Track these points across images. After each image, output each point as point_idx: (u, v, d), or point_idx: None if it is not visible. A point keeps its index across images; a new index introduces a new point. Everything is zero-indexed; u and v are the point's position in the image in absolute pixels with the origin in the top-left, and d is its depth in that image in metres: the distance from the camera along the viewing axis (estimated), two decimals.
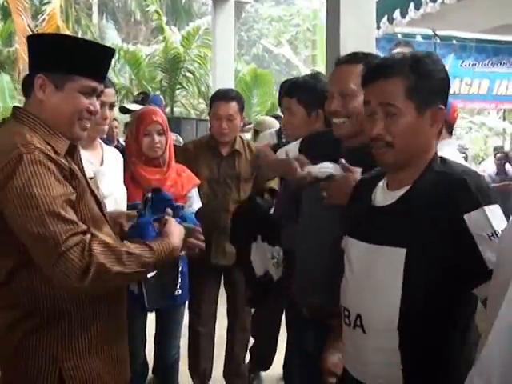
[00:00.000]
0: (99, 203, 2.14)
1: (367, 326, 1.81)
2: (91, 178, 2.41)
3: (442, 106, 1.81)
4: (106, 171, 2.98)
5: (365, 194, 1.96)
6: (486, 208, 1.65)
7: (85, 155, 2.86)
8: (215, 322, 4.09)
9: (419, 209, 1.74)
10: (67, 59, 1.97)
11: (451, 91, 7.05)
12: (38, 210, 1.78)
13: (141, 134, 3.28)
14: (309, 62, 21.24)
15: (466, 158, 10.91)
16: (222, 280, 4.11)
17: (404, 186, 1.82)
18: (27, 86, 2.06)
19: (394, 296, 1.74)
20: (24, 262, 1.88)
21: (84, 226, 1.85)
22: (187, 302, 3.82)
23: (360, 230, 1.91)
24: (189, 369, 4.06)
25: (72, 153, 2.09)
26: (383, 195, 1.89)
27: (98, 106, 2.09)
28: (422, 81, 1.77)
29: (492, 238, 1.63)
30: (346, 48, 4.99)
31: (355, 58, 2.37)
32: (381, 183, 1.93)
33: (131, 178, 3.30)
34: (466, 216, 1.64)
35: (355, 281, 1.88)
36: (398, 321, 1.73)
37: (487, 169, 11.61)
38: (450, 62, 9.29)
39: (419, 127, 1.79)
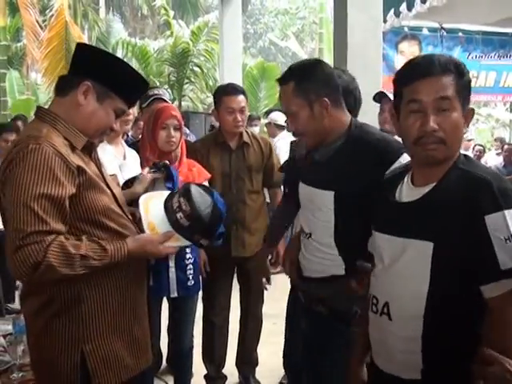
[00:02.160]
0: (116, 197, 2.26)
1: (394, 314, 1.89)
2: (112, 175, 2.51)
3: (472, 108, 1.87)
4: (129, 165, 3.09)
5: (389, 191, 2.03)
6: (506, 212, 1.70)
7: (110, 149, 2.98)
8: (229, 313, 4.18)
9: (445, 205, 1.81)
10: (116, 79, 2.16)
11: None
12: (19, 200, 1.92)
13: (158, 128, 3.33)
14: (315, 54, 21.25)
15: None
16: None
17: (430, 183, 1.88)
18: (64, 86, 2.17)
19: (422, 285, 1.82)
20: None
21: (55, 227, 1.96)
22: (201, 293, 3.93)
23: (388, 225, 1.99)
24: (203, 358, 4.14)
25: (89, 150, 2.22)
26: (409, 191, 1.95)
27: (119, 126, 2.32)
28: (464, 82, 1.83)
29: (508, 241, 1.69)
30: (354, 41, 5.05)
31: (287, 76, 2.51)
32: (405, 179, 1.99)
33: None
34: (486, 217, 1.70)
35: (385, 271, 1.97)
36: (424, 309, 1.82)
37: (490, 160, 11.61)
38: (456, 55, 9.31)
39: (462, 125, 1.84)
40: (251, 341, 4.27)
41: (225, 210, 2.47)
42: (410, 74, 1.86)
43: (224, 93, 3.96)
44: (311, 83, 2.45)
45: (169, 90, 14.99)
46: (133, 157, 3.26)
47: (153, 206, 2.34)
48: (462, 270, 1.78)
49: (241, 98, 3.91)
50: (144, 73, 15.32)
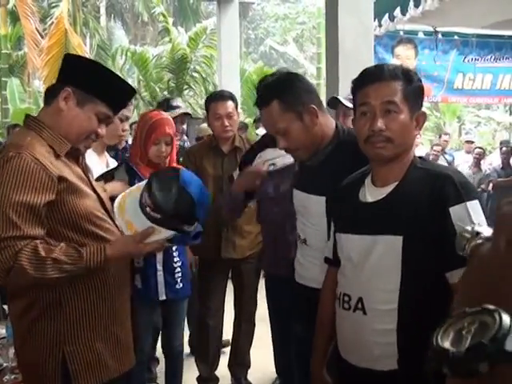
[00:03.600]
0: (103, 202, 2.32)
1: (368, 308, 1.98)
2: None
3: (424, 112, 2.06)
4: None
5: (350, 194, 2.15)
6: (468, 203, 1.89)
7: (95, 157, 3.05)
8: (223, 315, 4.25)
9: (411, 200, 1.95)
10: (97, 83, 2.22)
11: (455, 86, 7.06)
12: None
13: (150, 142, 3.37)
14: (314, 59, 21.26)
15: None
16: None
17: (391, 182, 2.03)
18: (49, 95, 2.26)
19: (395, 278, 1.94)
20: None
21: (30, 233, 2.01)
22: (197, 295, 4.04)
23: (355, 225, 2.09)
24: (196, 359, 4.19)
25: (75, 155, 2.29)
26: (372, 192, 2.08)
27: (105, 131, 2.32)
28: (412, 87, 2.01)
29: None
30: (345, 46, 5.10)
31: (266, 97, 2.53)
32: (366, 182, 2.12)
33: None
34: (450, 209, 1.88)
35: (355, 269, 2.05)
36: (398, 300, 1.93)
37: (493, 162, 11.65)
38: (452, 58, 9.35)
39: (410, 126, 2.01)
40: (244, 343, 4.31)
41: (199, 190, 2.36)
42: (362, 80, 2.05)
43: (212, 99, 4.07)
44: (295, 95, 2.49)
45: (168, 95, 15.06)
46: (115, 163, 3.34)
47: (128, 204, 2.33)
48: (429, 260, 1.90)
49: (228, 103, 3.99)
50: (144, 79, 15.40)
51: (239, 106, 4.55)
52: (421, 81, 2.08)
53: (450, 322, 0.55)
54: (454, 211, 1.87)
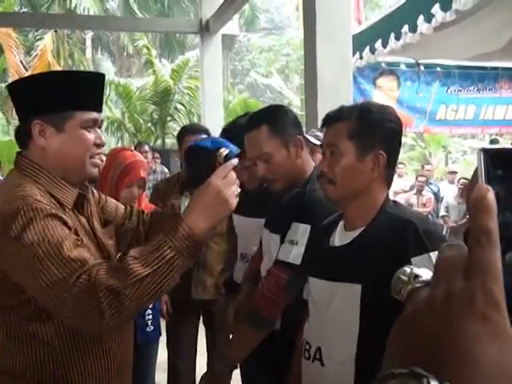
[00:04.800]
0: (105, 253, 1.97)
1: (326, 359, 1.89)
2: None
3: (383, 152, 1.91)
4: None
5: (324, 237, 2.07)
6: (432, 254, 1.74)
7: None
8: (195, 358, 4.08)
9: (372, 248, 1.85)
10: (59, 96, 1.82)
11: (438, 117, 7.04)
12: (37, 259, 1.58)
13: (123, 185, 3.24)
14: (300, 90, 21.37)
15: None
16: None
17: (359, 227, 1.94)
18: (22, 137, 1.87)
19: (353, 329, 1.83)
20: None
21: (91, 262, 1.61)
22: (166, 339, 3.86)
23: (320, 269, 2.02)
24: None
25: (81, 204, 1.94)
26: (341, 236, 2.00)
27: (104, 137, 1.92)
28: (364, 127, 1.91)
29: None
30: (323, 78, 5.06)
31: (256, 121, 2.55)
32: (339, 225, 2.05)
33: None
34: (412, 259, 1.74)
35: (317, 316, 1.98)
36: (355, 353, 1.81)
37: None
38: (435, 89, 9.38)
39: (358, 167, 1.91)
40: None
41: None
42: (323, 123, 2.04)
43: (185, 133, 3.97)
44: (284, 124, 2.51)
45: (152, 127, 15.07)
46: None
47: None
48: (389, 311, 1.76)
49: (202, 137, 3.85)
50: (128, 111, 15.40)
51: None
52: (391, 121, 1.95)
53: None
54: (417, 262, 1.73)
